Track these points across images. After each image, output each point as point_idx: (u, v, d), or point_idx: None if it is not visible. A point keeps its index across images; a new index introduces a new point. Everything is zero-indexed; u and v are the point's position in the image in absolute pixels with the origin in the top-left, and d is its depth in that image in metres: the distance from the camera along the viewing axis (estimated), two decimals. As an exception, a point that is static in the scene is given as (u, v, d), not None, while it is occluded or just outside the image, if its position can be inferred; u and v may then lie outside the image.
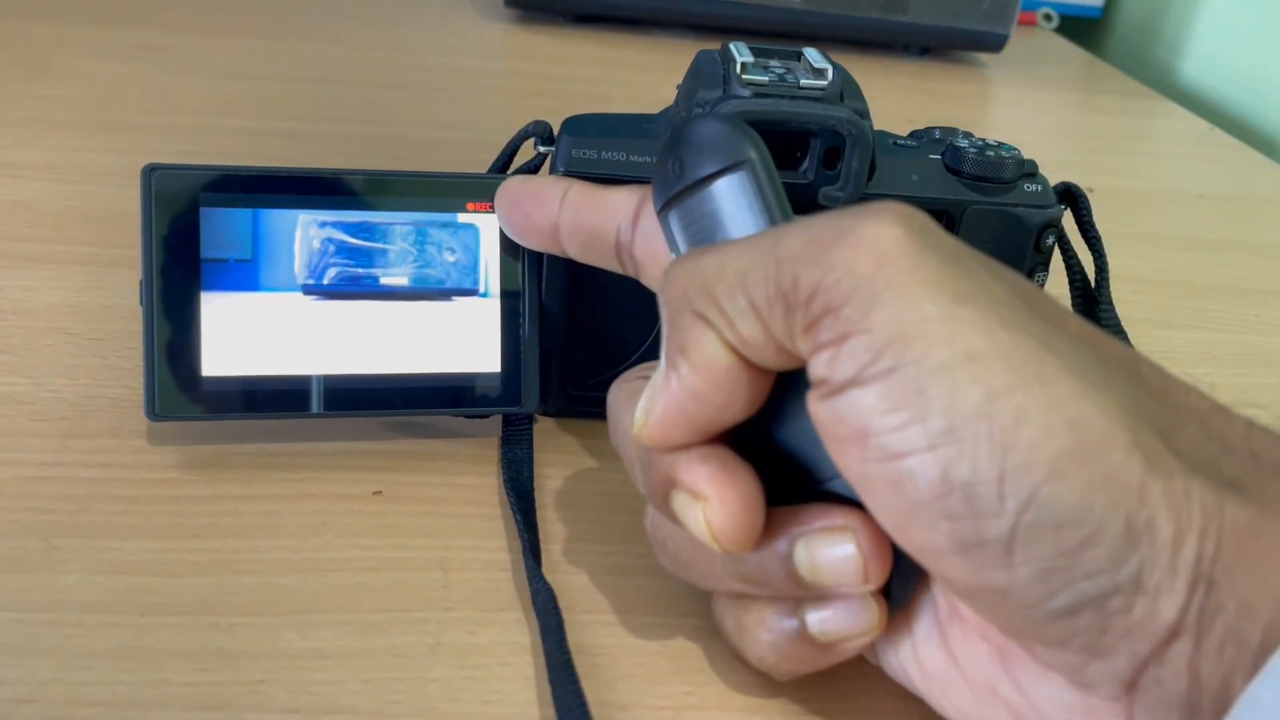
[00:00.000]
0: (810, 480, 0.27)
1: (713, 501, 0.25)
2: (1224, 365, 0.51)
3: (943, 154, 0.38)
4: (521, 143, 0.39)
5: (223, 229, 0.35)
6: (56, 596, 0.30)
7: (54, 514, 0.33)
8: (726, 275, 0.25)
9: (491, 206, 0.37)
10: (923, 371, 0.22)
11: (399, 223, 0.37)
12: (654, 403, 0.26)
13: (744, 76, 0.34)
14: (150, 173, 0.35)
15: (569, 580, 0.33)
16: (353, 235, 0.36)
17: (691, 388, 0.25)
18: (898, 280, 0.22)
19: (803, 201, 0.36)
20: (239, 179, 0.36)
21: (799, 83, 0.34)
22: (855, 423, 0.23)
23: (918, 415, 0.22)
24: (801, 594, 0.27)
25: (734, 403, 0.26)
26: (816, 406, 0.24)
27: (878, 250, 0.23)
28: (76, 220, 0.51)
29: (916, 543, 0.23)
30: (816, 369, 0.23)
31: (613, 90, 0.77)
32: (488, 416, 0.39)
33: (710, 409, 0.26)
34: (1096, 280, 0.39)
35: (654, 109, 0.38)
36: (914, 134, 0.40)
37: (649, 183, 0.31)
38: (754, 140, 0.28)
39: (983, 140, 0.38)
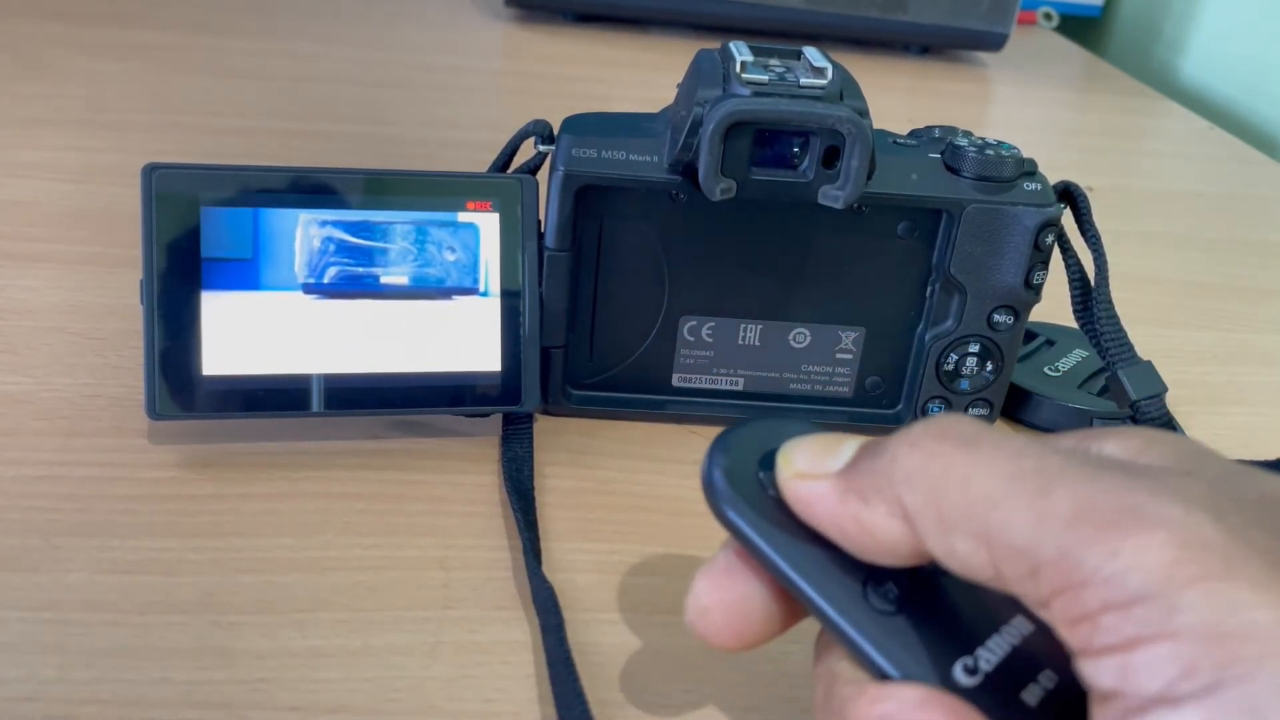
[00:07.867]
0: None
1: None
2: (1224, 365, 0.51)
3: (942, 153, 0.38)
4: (521, 142, 0.39)
5: (223, 228, 0.35)
6: (58, 595, 0.30)
7: (55, 513, 0.33)
8: (969, 491, 0.21)
9: (490, 206, 0.37)
10: (1260, 692, 0.18)
11: (399, 222, 0.37)
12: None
13: (744, 75, 0.34)
14: (150, 173, 0.35)
15: (569, 579, 0.33)
16: (353, 234, 0.36)
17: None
18: (1208, 579, 0.19)
19: (802, 200, 0.36)
20: (239, 179, 0.36)
21: (799, 82, 0.34)
22: None
23: None
24: None
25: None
26: None
27: (1180, 542, 0.19)
28: (76, 220, 0.51)
29: None
30: (1100, 678, 0.20)
31: (613, 90, 0.78)
32: (488, 415, 0.39)
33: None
34: (1096, 279, 0.39)
35: (654, 108, 0.38)
36: (914, 133, 0.40)
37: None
38: None
39: (982, 139, 0.38)
